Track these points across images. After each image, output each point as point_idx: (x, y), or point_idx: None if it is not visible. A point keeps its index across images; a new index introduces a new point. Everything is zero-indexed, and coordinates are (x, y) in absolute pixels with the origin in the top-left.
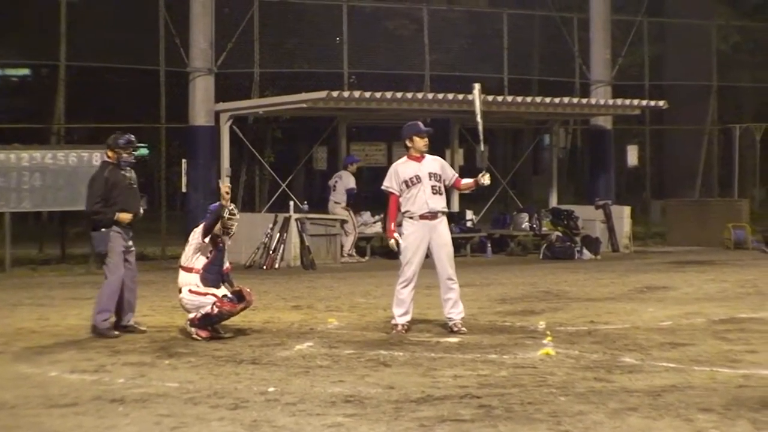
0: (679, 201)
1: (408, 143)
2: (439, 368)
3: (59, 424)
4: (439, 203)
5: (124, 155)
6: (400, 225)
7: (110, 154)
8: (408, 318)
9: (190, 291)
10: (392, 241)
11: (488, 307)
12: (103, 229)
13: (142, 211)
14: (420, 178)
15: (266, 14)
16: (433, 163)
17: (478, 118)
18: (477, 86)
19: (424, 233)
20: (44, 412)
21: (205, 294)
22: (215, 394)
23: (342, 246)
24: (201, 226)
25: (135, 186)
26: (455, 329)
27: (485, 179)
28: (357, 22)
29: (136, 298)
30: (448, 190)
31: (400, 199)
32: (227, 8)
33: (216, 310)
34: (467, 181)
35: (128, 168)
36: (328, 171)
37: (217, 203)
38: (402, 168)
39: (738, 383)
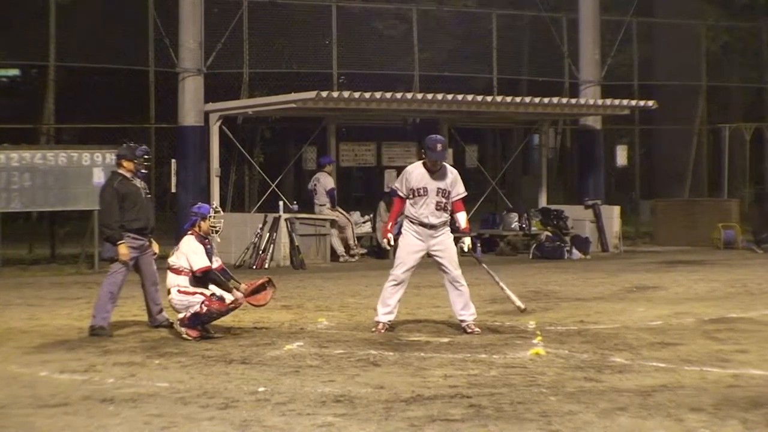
0: (668, 201)
1: (423, 154)
2: (429, 368)
3: (49, 424)
4: (441, 218)
5: (140, 165)
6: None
7: (127, 164)
8: (391, 317)
9: (179, 291)
10: (385, 241)
11: (478, 307)
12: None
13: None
14: (427, 191)
15: (255, 15)
16: (446, 177)
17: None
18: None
19: (422, 238)
20: (34, 412)
21: (194, 293)
22: (205, 393)
23: (346, 244)
24: (196, 262)
25: (149, 195)
26: (469, 330)
27: (466, 244)
28: (346, 22)
29: (160, 298)
30: None
31: (407, 202)
32: (216, 9)
33: (205, 309)
34: (460, 219)
35: (140, 179)
36: (317, 171)
37: (200, 205)
38: (414, 175)
39: (728, 383)
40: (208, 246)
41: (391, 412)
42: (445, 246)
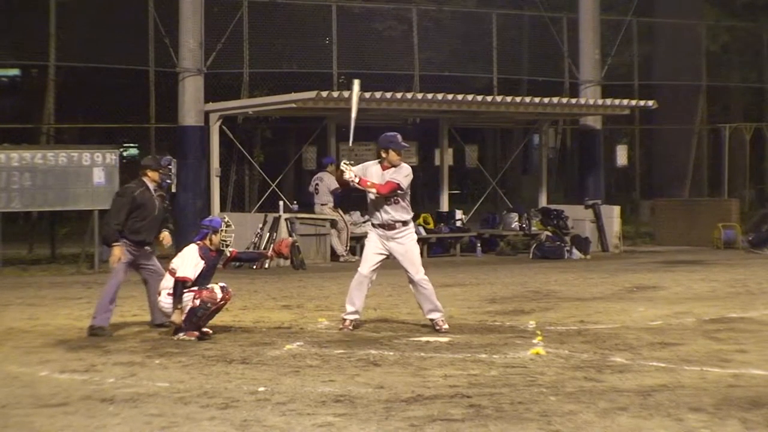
0: (668, 201)
1: (383, 154)
2: (429, 368)
3: (49, 423)
4: (397, 214)
5: (165, 175)
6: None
7: (152, 174)
8: (356, 316)
9: (168, 294)
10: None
11: (478, 307)
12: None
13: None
14: None
15: (255, 14)
16: (397, 171)
17: (353, 114)
18: (357, 83)
19: (382, 241)
20: (34, 412)
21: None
22: (205, 393)
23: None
24: (182, 270)
25: (167, 204)
26: (437, 327)
27: (347, 172)
28: (346, 22)
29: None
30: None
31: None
32: (216, 9)
33: (198, 301)
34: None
35: (164, 189)
36: (317, 171)
37: (212, 218)
38: (371, 170)
39: (728, 383)
40: (215, 260)
41: (391, 412)
42: (405, 249)
